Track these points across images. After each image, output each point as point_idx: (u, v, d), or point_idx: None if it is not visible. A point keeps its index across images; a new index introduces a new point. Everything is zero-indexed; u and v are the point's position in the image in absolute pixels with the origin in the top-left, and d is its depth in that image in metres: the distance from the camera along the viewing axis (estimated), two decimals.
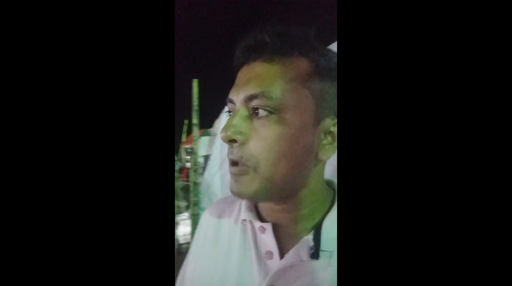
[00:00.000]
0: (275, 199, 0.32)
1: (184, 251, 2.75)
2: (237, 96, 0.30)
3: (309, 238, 0.31)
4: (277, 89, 0.28)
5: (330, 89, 0.30)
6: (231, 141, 0.29)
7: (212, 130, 2.63)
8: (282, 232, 0.34)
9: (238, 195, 0.31)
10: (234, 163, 0.30)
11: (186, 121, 4.22)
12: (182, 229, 3.12)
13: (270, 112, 0.28)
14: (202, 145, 2.71)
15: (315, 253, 0.30)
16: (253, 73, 0.29)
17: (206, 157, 2.85)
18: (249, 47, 0.31)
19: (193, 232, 2.18)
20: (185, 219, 3.31)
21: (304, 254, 0.30)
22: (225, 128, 0.29)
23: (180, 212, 3.06)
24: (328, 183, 0.36)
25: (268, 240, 0.33)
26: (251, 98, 0.29)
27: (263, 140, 0.28)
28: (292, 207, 0.33)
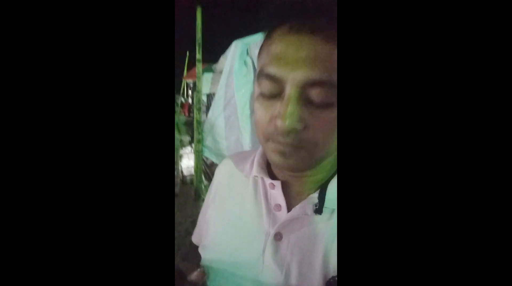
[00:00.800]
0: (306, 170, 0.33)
1: (188, 182, 2.96)
2: (287, 75, 0.26)
3: (314, 196, 0.33)
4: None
5: None
6: (290, 131, 0.27)
7: (216, 66, 2.52)
8: (290, 189, 0.36)
9: (282, 167, 0.31)
10: (287, 144, 0.28)
11: (188, 53, 4.00)
12: (186, 162, 3.29)
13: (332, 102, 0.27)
14: (206, 82, 2.63)
15: (318, 209, 0.33)
16: (307, 50, 0.25)
17: (209, 96, 2.80)
18: (283, 7, 0.27)
19: (196, 168, 2.30)
20: (188, 153, 3.46)
21: (309, 209, 0.33)
22: (284, 117, 0.26)
23: (183, 146, 3.17)
24: None
25: (277, 195, 0.36)
26: (312, 84, 0.26)
27: (323, 127, 0.27)
28: (309, 173, 0.34)
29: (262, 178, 0.37)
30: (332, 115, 0.27)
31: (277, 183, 0.35)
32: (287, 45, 0.26)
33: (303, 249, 0.32)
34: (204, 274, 0.35)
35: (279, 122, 0.27)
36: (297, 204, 0.34)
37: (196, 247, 0.43)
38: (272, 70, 0.27)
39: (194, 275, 0.34)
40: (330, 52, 0.25)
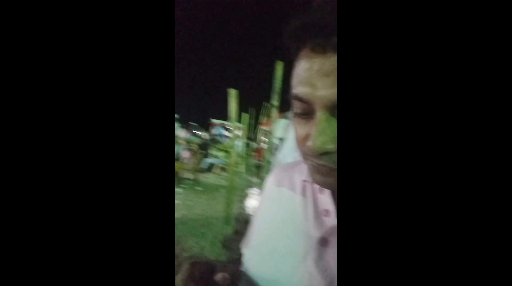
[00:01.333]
0: None
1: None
2: (314, 97, 0.26)
3: None
4: None
5: None
6: (323, 154, 0.26)
7: (290, 113, 2.68)
8: None
9: (323, 186, 0.30)
10: (323, 165, 0.28)
11: (265, 104, 4.37)
12: (252, 202, 3.37)
13: None
14: (280, 127, 2.80)
15: None
16: (331, 70, 0.25)
17: (282, 140, 2.94)
18: (303, 27, 0.26)
19: None
20: (255, 194, 3.55)
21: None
22: (314, 138, 0.26)
23: (251, 187, 3.29)
24: None
25: (326, 199, 0.35)
26: None
27: None
28: None
29: (312, 183, 0.37)
30: None
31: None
32: (311, 65, 0.26)
33: None
34: (227, 279, 0.32)
35: (310, 143, 0.26)
36: None
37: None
38: (299, 91, 0.27)
39: (218, 277, 0.32)
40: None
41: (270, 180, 0.45)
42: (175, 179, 4.09)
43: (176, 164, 4.29)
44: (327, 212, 0.34)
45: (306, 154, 0.29)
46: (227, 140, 7.04)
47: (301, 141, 0.29)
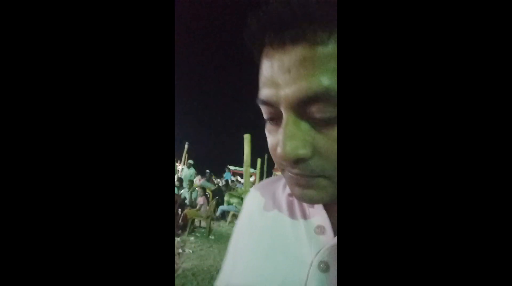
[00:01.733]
0: None
1: None
2: (279, 97, 0.22)
3: None
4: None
5: None
6: (296, 161, 0.23)
7: None
8: (335, 208, 0.28)
9: (304, 200, 0.25)
10: (301, 175, 0.24)
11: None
12: None
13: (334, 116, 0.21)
14: None
15: None
16: (298, 61, 0.21)
17: None
18: (271, 21, 0.22)
19: None
20: None
21: None
22: (283, 145, 0.22)
23: None
24: None
25: (318, 214, 0.29)
26: (308, 102, 0.21)
27: (332, 147, 0.22)
28: None
29: None
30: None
31: None
32: (271, 63, 0.23)
33: None
34: None
35: (279, 150, 0.23)
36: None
37: None
38: (263, 94, 0.24)
39: None
40: (327, 52, 0.21)
41: (249, 200, 0.38)
42: (189, 227, 4.00)
43: (191, 211, 4.24)
44: (321, 229, 0.28)
45: (281, 165, 0.25)
46: (241, 186, 6.97)
47: (274, 151, 0.25)
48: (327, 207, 0.29)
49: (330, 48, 0.21)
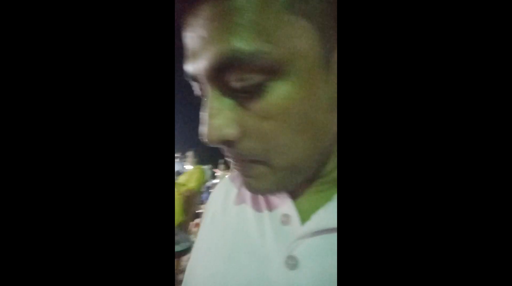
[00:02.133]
0: (307, 181, 0.24)
1: None
2: (199, 70, 0.19)
3: None
4: (263, 35, 0.17)
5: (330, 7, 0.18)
6: (223, 143, 0.20)
7: None
8: (302, 196, 0.25)
9: (256, 192, 0.23)
10: (236, 160, 0.22)
11: None
12: None
13: (261, 83, 0.18)
14: None
15: None
16: (208, 22, 0.18)
17: None
18: None
19: None
20: None
21: (334, 216, 0.22)
22: (207, 125, 0.19)
23: None
24: None
25: (282, 201, 0.25)
26: (222, 70, 0.18)
27: (261, 126, 0.19)
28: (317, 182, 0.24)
29: None
30: (282, 103, 0.18)
31: None
32: (192, 31, 0.19)
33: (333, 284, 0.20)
34: None
35: (203, 130, 0.20)
36: (316, 211, 0.23)
37: None
38: (187, 68, 0.21)
39: None
40: (237, 16, 0.17)
41: (216, 193, 0.34)
42: None
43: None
44: (287, 218, 0.24)
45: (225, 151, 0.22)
46: None
47: None
48: (294, 194, 0.25)
49: (238, 2, 0.17)
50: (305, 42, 0.18)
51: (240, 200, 0.30)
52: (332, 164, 0.24)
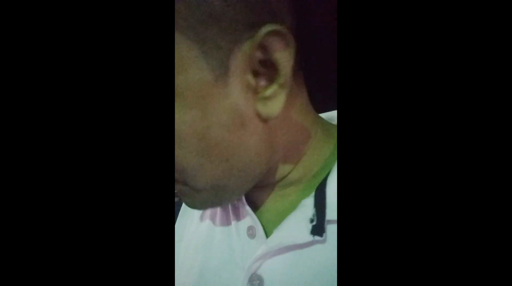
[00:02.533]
0: (265, 186, 0.23)
1: None
2: None
3: (307, 203, 0.21)
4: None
5: None
6: None
7: None
8: (268, 206, 0.24)
9: (194, 208, 0.23)
10: None
11: None
12: None
13: None
14: None
15: (317, 226, 0.20)
16: None
17: None
18: None
19: None
20: None
21: (301, 229, 0.20)
22: None
23: None
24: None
25: (245, 211, 0.24)
26: None
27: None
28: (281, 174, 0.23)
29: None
30: (177, 128, 0.18)
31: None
32: None
33: None
34: None
35: None
36: (281, 221, 0.22)
37: None
38: None
39: None
40: None
41: (183, 213, 0.32)
42: None
43: None
44: (252, 230, 0.23)
45: None
46: None
47: None
48: (256, 202, 0.24)
49: None
50: (194, 72, 0.17)
51: (204, 216, 0.28)
52: (288, 167, 0.23)
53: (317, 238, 0.20)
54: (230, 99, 0.18)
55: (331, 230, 0.20)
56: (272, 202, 0.24)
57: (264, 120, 0.19)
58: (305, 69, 0.22)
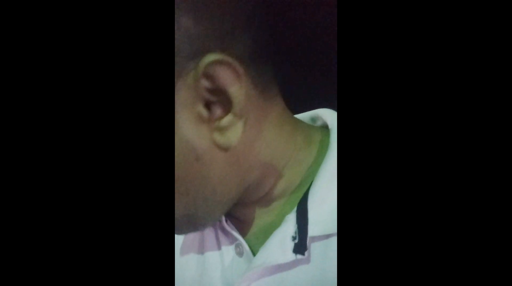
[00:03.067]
0: (250, 203, 0.23)
1: None
2: None
3: (290, 218, 0.21)
4: None
5: None
6: None
7: None
8: (251, 213, 0.24)
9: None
10: None
11: None
12: None
13: None
14: None
15: (299, 245, 0.19)
16: None
17: None
18: None
19: None
20: None
21: (282, 248, 0.20)
22: None
23: None
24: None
25: (230, 230, 0.24)
26: None
27: None
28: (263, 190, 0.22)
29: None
30: None
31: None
32: None
33: None
34: None
35: None
36: (265, 243, 0.21)
37: None
38: None
39: None
40: None
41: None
42: None
43: None
44: (240, 248, 0.23)
45: None
46: None
47: None
48: (244, 220, 0.24)
49: None
50: None
51: (200, 247, 0.27)
52: (269, 182, 0.22)
53: (299, 257, 0.19)
54: (179, 134, 0.17)
55: (316, 249, 0.20)
56: (258, 218, 0.23)
57: (226, 149, 0.18)
58: (279, 76, 0.22)
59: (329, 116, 0.24)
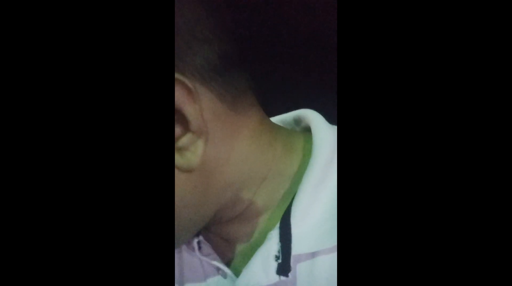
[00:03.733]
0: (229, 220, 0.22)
1: None
2: None
3: (273, 236, 0.19)
4: None
5: None
6: None
7: None
8: (235, 230, 0.22)
9: None
10: None
11: None
12: None
13: None
14: None
15: (282, 265, 0.18)
16: None
17: None
18: None
19: None
20: None
21: (267, 267, 0.19)
22: None
23: None
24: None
25: (210, 253, 0.22)
26: None
27: None
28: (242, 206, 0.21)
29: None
30: None
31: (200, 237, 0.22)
32: None
33: None
34: None
35: None
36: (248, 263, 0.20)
37: None
38: None
39: None
40: None
41: None
42: None
43: None
44: (222, 270, 0.21)
45: None
46: None
47: None
48: (229, 236, 0.22)
49: None
50: None
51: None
52: (248, 196, 0.20)
53: (283, 278, 0.18)
54: None
55: (301, 268, 0.18)
56: (241, 236, 0.22)
57: (187, 170, 0.17)
58: (260, 84, 0.20)
59: (312, 119, 0.22)
